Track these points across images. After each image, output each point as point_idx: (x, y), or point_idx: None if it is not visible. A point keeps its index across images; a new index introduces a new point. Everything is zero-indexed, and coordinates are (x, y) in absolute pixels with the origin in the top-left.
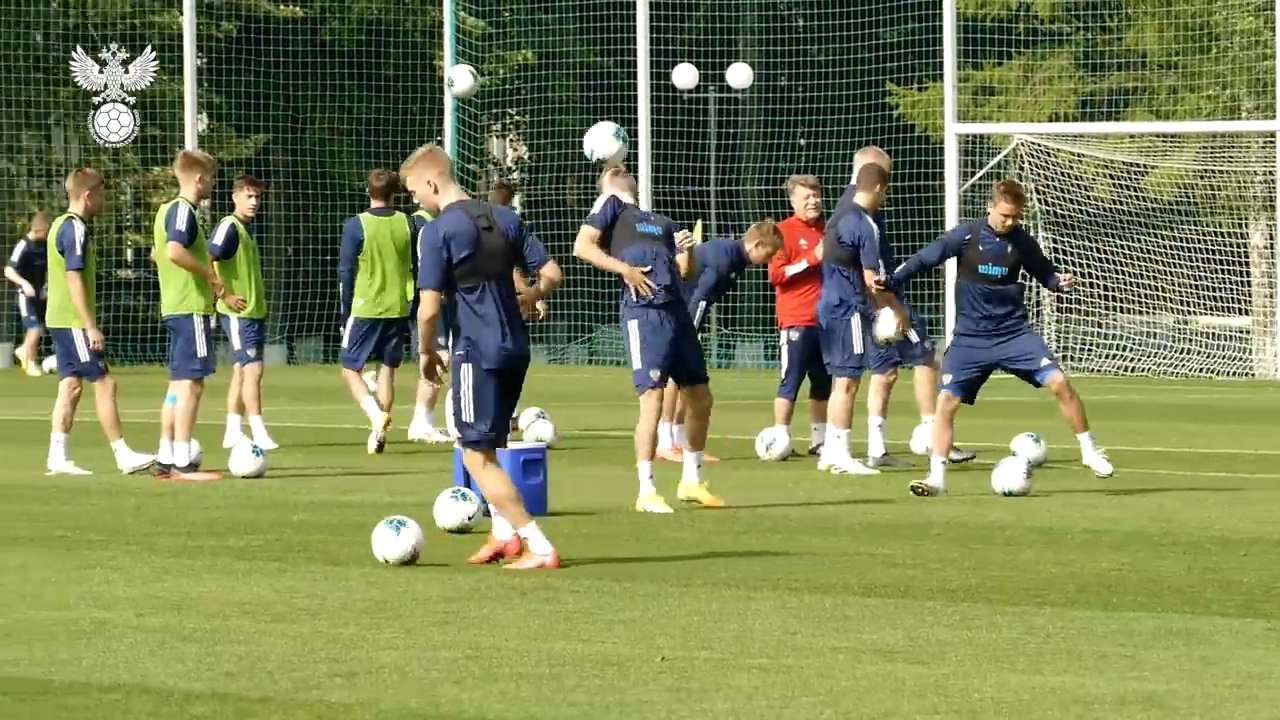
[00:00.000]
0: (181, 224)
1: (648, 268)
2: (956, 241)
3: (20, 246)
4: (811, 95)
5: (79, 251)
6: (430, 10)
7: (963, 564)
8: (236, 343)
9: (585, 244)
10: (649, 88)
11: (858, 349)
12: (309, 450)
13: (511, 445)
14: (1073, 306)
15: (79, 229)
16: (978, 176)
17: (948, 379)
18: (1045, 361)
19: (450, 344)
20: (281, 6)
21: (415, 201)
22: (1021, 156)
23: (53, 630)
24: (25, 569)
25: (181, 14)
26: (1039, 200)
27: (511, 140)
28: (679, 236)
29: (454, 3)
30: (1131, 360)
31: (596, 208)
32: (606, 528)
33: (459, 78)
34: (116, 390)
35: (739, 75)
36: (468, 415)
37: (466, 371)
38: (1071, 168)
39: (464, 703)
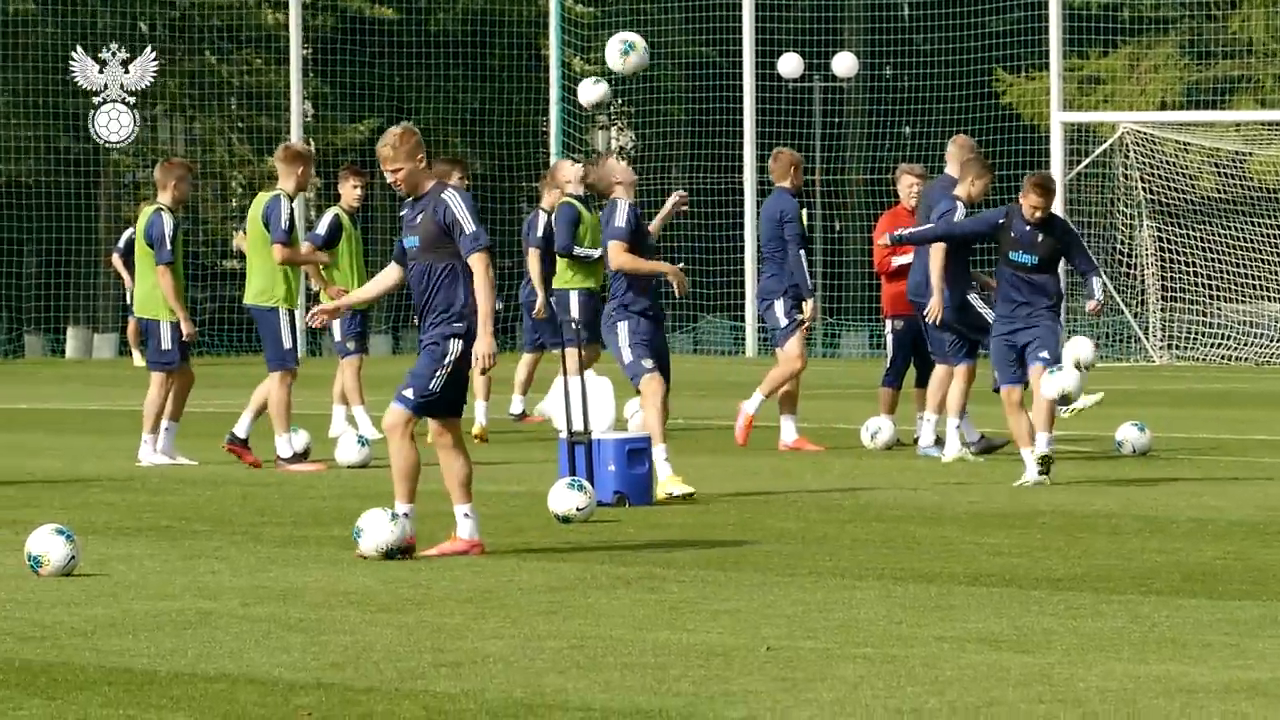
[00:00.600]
0: (284, 222)
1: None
2: (991, 221)
3: (126, 234)
4: (917, 84)
5: (169, 245)
6: None
7: (1068, 553)
8: (337, 334)
9: (619, 256)
10: (754, 77)
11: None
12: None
13: (616, 434)
14: (1177, 295)
15: (168, 221)
16: (1083, 165)
17: (1001, 375)
18: (1044, 354)
19: (435, 319)
20: (376, 6)
21: (389, 181)
22: (1126, 145)
23: (159, 620)
24: (131, 559)
25: (281, 11)
26: (1143, 190)
27: (617, 129)
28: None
29: None
30: (1235, 349)
31: (620, 219)
32: (711, 517)
33: (592, 91)
34: (189, 386)
35: (844, 64)
36: (436, 385)
37: (457, 346)
38: (1177, 157)
39: (569, 692)
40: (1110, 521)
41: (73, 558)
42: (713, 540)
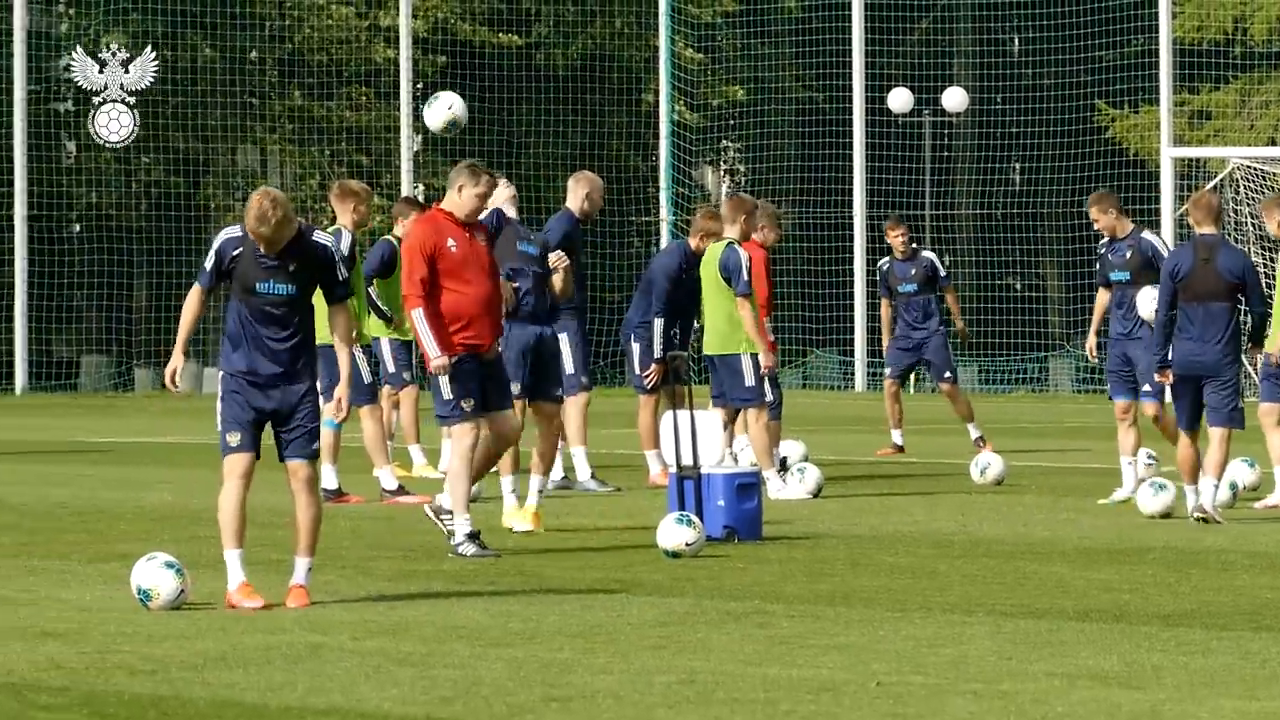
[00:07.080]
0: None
1: (517, 284)
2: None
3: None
4: (1026, 118)
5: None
6: (648, 39)
7: (1178, 588)
8: (390, 365)
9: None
10: (864, 112)
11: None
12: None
13: (725, 469)
14: None
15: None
16: (1192, 201)
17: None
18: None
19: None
20: (501, 35)
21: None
22: (1237, 180)
23: (268, 654)
24: None
25: (392, 47)
26: (1252, 226)
27: (725, 169)
28: (553, 258)
29: (670, 33)
30: None
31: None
32: (821, 552)
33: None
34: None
35: (954, 99)
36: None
37: None
38: None
39: None
40: (1221, 557)
41: (182, 591)
42: (822, 575)
